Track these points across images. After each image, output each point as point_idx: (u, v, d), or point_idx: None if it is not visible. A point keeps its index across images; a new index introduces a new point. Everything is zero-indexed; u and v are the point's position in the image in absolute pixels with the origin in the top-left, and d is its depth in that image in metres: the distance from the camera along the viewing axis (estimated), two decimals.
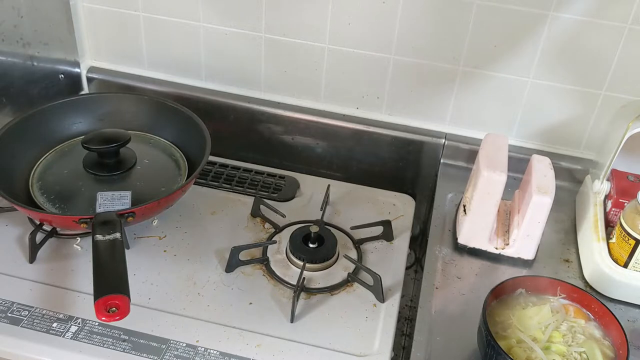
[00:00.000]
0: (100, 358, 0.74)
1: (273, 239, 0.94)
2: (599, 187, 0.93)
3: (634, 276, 0.83)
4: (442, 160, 1.09)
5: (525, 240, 0.88)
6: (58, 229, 0.91)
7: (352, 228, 0.96)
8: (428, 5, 0.97)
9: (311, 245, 0.90)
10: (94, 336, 0.77)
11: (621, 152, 0.88)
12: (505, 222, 0.95)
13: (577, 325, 0.73)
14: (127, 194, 0.89)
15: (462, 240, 0.92)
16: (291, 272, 0.88)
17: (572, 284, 0.77)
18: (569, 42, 0.96)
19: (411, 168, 1.12)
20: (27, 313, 0.79)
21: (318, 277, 0.88)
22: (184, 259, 0.89)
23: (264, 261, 0.89)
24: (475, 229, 0.90)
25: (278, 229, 0.96)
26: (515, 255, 0.90)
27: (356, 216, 1.00)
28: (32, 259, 0.86)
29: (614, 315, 0.72)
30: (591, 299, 0.75)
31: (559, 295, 0.77)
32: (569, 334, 0.72)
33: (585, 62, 0.97)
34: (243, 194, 1.03)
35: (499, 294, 0.76)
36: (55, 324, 0.78)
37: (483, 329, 0.71)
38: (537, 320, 0.73)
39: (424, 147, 1.09)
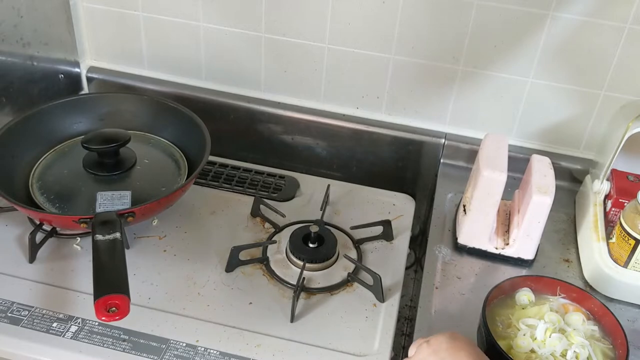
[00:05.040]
0: (100, 358, 0.74)
1: (273, 238, 0.94)
2: (599, 187, 0.93)
3: (633, 276, 0.83)
4: (442, 160, 1.09)
5: (525, 240, 0.88)
6: (58, 229, 0.91)
7: (352, 228, 0.96)
8: (428, 5, 0.97)
9: (311, 245, 0.90)
10: (94, 336, 0.77)
11: (621, 152, 0.88)
12: (505, 222, 0.95)
13: (577, 325, 0.73)
14: (127, 194, 0.89)
15: (462, 240, 0.92)
16: (291, 272, 0.88)
17: (572, 284, 0.77)
18: (569, 42, 0.96)
19: (411, 168, 1.12)
20: (27, 313, 0.79)
21: (318, 277, 0.88)
22: (184, 258, 0.89)
23: (263, 261, 0.90)
24: (475, 228, 0.90)
25: (278, 229, 0.96)
26: (515, 255, 0.90)
27: (356, 216, 1.00)
28: (32, 258, 0.86)
29: (614, 315, 0.72)
30: (591, 299, 0.75)
31: (559, 294, 0.77)
32: (568, 333, 0.72)
33: (585, 62, 0.97)
34: (243, 193, 1.03)
35: (499, 294, 0.76)
36: (55, 324, 0.78)
37: (483, 329, 0.71)
38: (536, 319, 0.73)
39: (424, 147, 1.09)
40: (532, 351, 0.70)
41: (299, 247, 0.89)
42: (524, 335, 0.71)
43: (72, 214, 0.87)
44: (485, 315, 0.71)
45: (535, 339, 0.71)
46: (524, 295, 0.76)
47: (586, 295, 0.76)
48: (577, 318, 0.74)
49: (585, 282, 0.88)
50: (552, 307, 0.75)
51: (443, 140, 1.08)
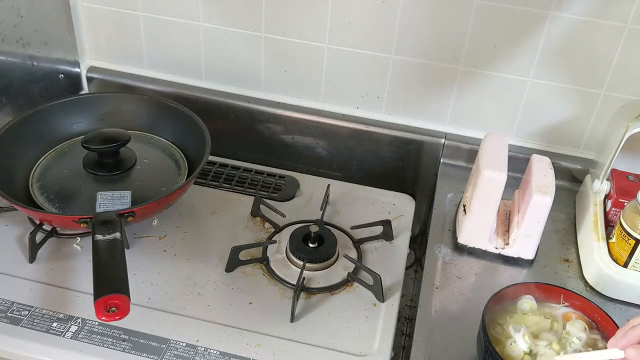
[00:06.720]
0: (100, 358, 0.74)
1: (273, 238, 0.94)
2: (599, 187, 0.93)
3: (633, 276, 0.83)
4: (442, 160, 1.09)
5: (525, 240, 0.88)
6: (58, 229, 0.91)
7: (352, 228, 0.96)
8: (428, 5, 0.97)
9: (311, 245, 0.90)
10: (94, 336, 0.77)
11: (621, 152, 0.88)
12: (505, 222, 0.95)
13: (579, 333, 0.73)
14: (127, 194, 0.89)
15: (462, 240, 0.92)
16: (291, 272, 0.88)
17: (575, 292, 0.76)
18: (569, 42, 0.96)
19: (411, 168, 1.12)
20: (27, 313, 0.79)
21: (318, 277, 0.88)
22: (184, 258, 0.89)
23: (263, 261, 0.90)
24: (475, 228, 0.90)
25: (278, 229, 0.96)
26: (515, 255, 0.90)
27: (356, 216, 1.00)
28: (32, 258, 0.86)
29: (617, 325, 0.71)
30: (594, 308, 0.74)
31: (562, 302, 0.76)
32: (571, 342, 0.71)
33: (585, 62, 0.97)
34: (243, 193, 1.03)
35: (500, 300, 0.75)
36: (55, 324, 0.78)
37: (482, 336, 0.70)
38: (538, 327, 0.73)
39: (424, 146, 1.09)
40: (528, 353, 0.70)
41: (299, 247, 0.89)
42: (511, 344, 0.70)
43: (72, 213, 0.87)
44: (485, 322, 0.71)
45: (530, 352, 0.70)
46: (526, 303, 0.75)
47: (590, 304, 0.74)
48: (579, 326, 0.73)
49: (585, 282, 0.88)
50: (555, 315, 0.75)
51: (443, 140, 1.08)
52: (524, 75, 1.01)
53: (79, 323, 0.78)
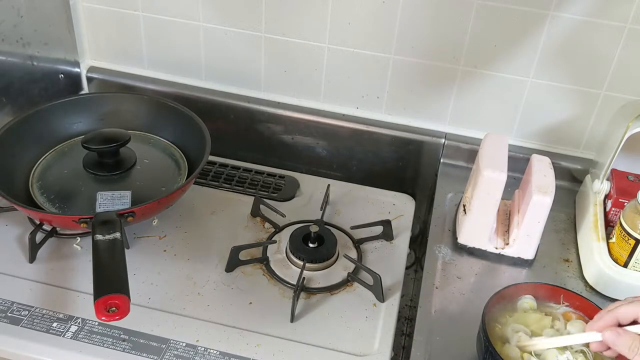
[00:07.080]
0: (100, 358, 0.74)
1: (273, 238, 0.94)
2: (599, 187, 0.93)
3: (633, 276, 0.83)
4: (442, 160, 1.09)
5: (525, 240, 0.88)
6: (58, 229, 0.91)
7: (352, 228, 0.96)
8: (428, 5, 0.97)
9: (311, 245, 0.90)
10: (94, 336, 0.77)
11: (621, 152, 0.88)
12: (505, 222, 0.95)
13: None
14: (127, 194, 0.89)
15: (462, 240, 0.92)
16: (291, 272, 0.88)
17: (575, 292, 0.76)
18: (569, 42, 0.96)
19: (411, 168, 1.12)
20: (27, 313, 0.79)
21: (318, 277, 0.88)
22: (184, 258, 0.89)
23: (263, 261, 0.90)
24: (475, 228, 0.90)
25: (278, 229, 0.96)
26: (515, 255, 0.90)
27: (356, 216, 1.00)
28: (32, 258, 0.86)
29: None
30: (594, 308, 0.73)
31: (562, 302, 0.76)
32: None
33: (585, 62, 0.97)
34: (243, 193, 1.03)
35: (500, 300, 0.75)
36: (55, 324, 0.78)
37: (482, 336, 0.70)
38: (539, 324, 0.73)
39: (424, 146, 1.09)
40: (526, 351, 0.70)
41: (299, 247, 0.89)
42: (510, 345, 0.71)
43: (72, 213, 0.87)
44: (485, 322, 0.71)
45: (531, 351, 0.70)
46: (526, 303, 0.75)
47: (590, 305, 0.74)
48: (579, 326, 0.73)
49: (585, 282, 0.88)
50: (555, 315, 0.74)
51: (443, 140, 1.08)
52: (524, 75, 1.01)
53: (79, 323, 0.78)
